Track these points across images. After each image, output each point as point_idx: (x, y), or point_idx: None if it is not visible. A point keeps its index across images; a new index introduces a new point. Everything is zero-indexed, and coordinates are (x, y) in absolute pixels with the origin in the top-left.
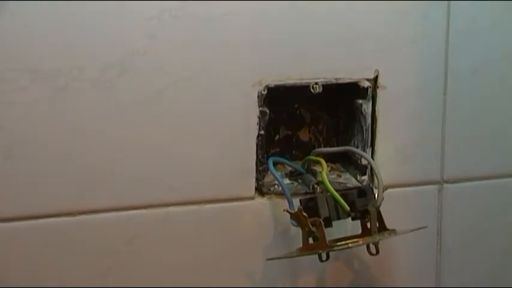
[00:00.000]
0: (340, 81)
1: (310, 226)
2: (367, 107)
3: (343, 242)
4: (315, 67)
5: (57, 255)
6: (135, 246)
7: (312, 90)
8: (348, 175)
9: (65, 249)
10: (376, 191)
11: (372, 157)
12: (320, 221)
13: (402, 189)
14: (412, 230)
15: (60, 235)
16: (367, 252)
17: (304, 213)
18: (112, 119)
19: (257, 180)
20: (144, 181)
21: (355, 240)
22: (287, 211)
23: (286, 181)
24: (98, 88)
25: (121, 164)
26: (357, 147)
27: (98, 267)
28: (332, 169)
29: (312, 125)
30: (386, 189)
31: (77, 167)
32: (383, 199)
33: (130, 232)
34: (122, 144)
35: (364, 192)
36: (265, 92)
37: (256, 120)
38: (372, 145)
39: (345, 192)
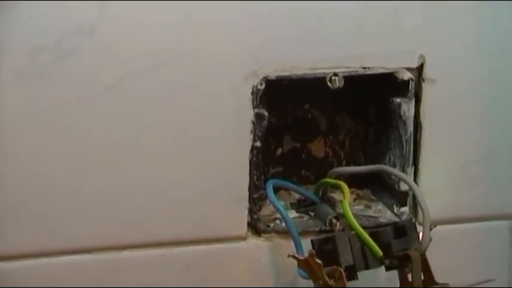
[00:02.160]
0: (369, 72)
1: (327, 278)
2: (408, 109)
3: None
4: (334, 51)
5: None
6: None
7: (329, 84)
8: (380, 206)
9: None
10: (420, 229)
11: (415, 180)
12: (340, 271)
13: (459, 226)
14: (472, 285)
15: None
16: None
17: (318, 260)
18: (44, 125)
19: (251, 212)
20: (89, 215)
21: None
22: (293, 257)
23: (293, 214)
24: (25, 80)
25: (55, 191)
26: (394, 166)
27: None
28: (358, 197)
29: (330, 134)
30: (435, 227)
31: None
32: (430, 240)
33: (69, 286)
34: (57, 163)
35: (403, 231)
36: (263, 86)
37: (250, 126)
38: (415, 163)
39: (376, 231)
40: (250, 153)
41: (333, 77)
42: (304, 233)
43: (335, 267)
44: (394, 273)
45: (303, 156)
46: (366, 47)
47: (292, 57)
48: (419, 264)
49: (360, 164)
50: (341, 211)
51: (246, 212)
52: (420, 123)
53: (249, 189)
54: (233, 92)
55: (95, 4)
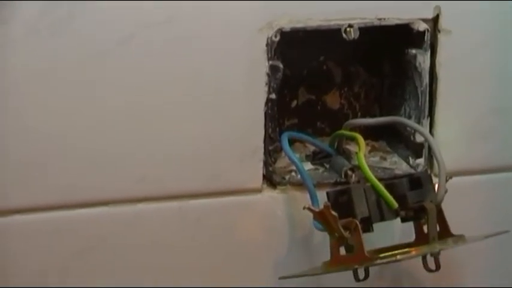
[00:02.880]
0: (384, 23)
1: (342, 230)
2: (423, 60)
3: (389, 254)
4: (348, 2)
5: None
6: (93, 257)
7: (344, 35)
8: (396, 157)
9: None
10: (436, 181)
11: (431, 132)
12: (356, 223)
13: (473, 177)
14: (487, 236)
15: None
16: (423, 268)
17: (334, 212)
18: (57, 81)
19: (266, 165)
20: (105, 169)
21: (406, 250)
22: (308, 209)
23: (308, 166)
24: (37, 37)
25: (71, 146)
26: (410, 117)
27: (43, 284)
28: (373, 149)
29: (345, 86)
30: (450, 178)
31: (5, 148)
32: (446, 192)
33: (86, 238)
34: (73, 118)
35: (419, 182)
36: (278, 38)
37: (265, 79)
38: (431, 115)
39: (391, 182)
40: (265, 105)
41: (347, 29)
42: (319, 185)
43: (350, 219)
44: (410, 225)
45: (318, 108)
46: None
47: (307, 9)
48: (435, 215)
49: (375, 116)
50: (356, 163)
51: (261, 165)
52: (436, 74)
53: (264, 142)
54: (247, 45)
55: None
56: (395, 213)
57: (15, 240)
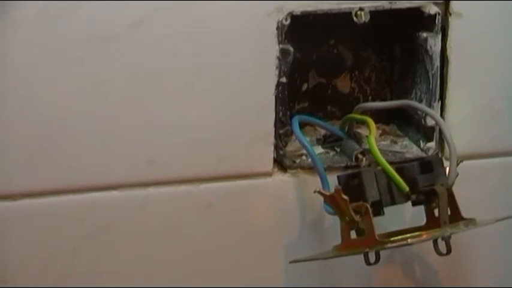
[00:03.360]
0: (395, 6)
1: (353, 214)
2: (434, 44)
3: (400, 237)
4: None
5: None
6: (101, 241)
7: (355, 19)
8: (406, 141)
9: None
10: (447, 164)
11: (442, 115)
12: (367, 207)
13: (485, 160)
14: (499, 220)
15: None
16: (434, 252)
17: (344, 196)
18: (66, 65)
19: (276, 148)
20: (115, 152)
21: (417, 234)
22: (319, 192)
23: (319, 150)
24: (46, 22)
25: (80, 129)
26: (420, 101)
27: (51, 268)
28: (384, 133)
29: (355, 70)
30: (461, 161)
31: (14, 131)
32: (457, 175)
33: (95, 222)
34: (82, 102)
35: (430, 166)
36: (288, 22)
37: (275, 62)
38: (442, 98)
39: (402, 166)
40: (275, 89)
41: (358, 12)
42: (330, 168)
43: (361, 202)
44: (421, 209)
45: (329, 91)
46: None
47: None
48: (446, 199)
49: (385, 100)
50: (367, 146)
51: (272, 148)
52: (447, 57)
53: (275, 125)
54: (257, 28)
55: None
56: (406, 197)
57: (24, 224)
